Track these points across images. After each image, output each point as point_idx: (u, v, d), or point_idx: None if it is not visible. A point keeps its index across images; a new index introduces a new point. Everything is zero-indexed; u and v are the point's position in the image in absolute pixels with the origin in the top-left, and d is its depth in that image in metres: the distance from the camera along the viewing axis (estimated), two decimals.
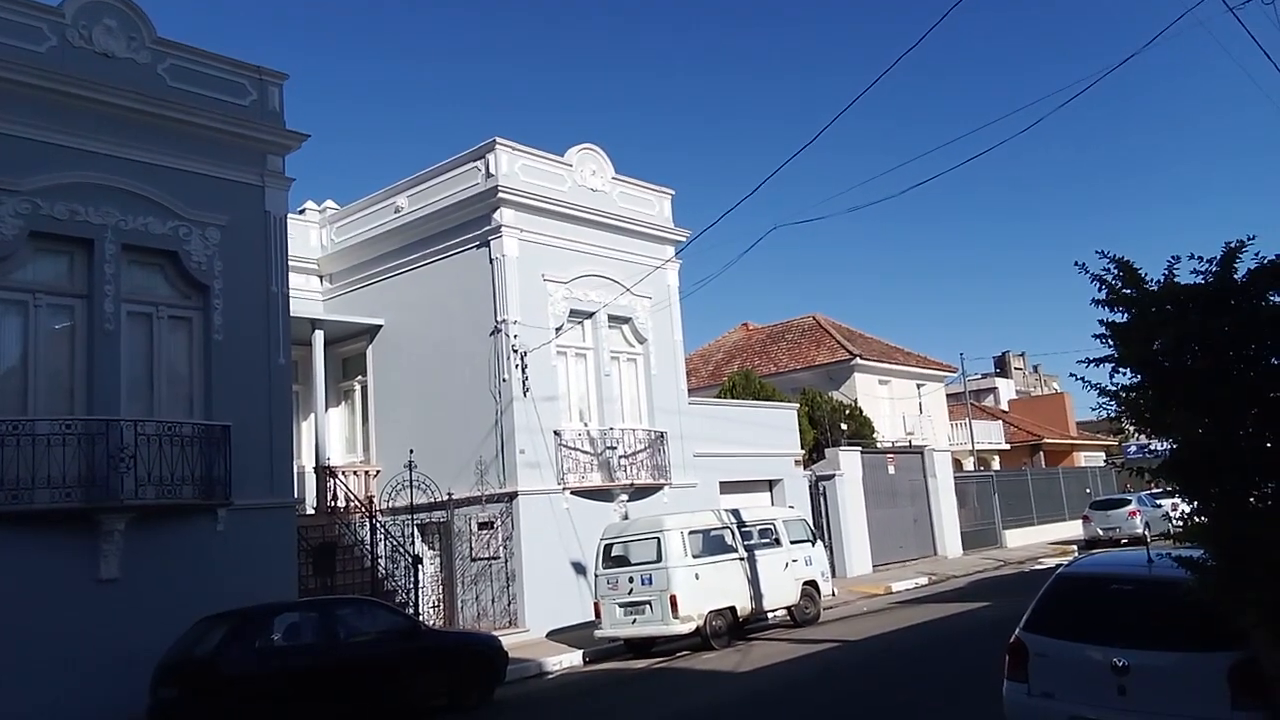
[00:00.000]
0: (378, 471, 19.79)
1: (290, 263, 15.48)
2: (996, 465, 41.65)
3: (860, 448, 27.45)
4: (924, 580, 23.29)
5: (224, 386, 13.73)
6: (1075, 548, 28.32)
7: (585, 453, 19.21)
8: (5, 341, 12.19)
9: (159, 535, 12.61)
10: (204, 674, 10.04)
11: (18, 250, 12.28)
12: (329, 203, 22.87)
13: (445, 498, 17.72)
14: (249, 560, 13.19)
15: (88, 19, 13.26)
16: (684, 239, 22.60)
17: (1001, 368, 63.03)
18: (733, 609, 15.43)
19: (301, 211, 22.06)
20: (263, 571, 13.21)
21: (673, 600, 14.56)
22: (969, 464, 37.84)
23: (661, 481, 20.28)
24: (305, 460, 19.25)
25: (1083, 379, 6.08)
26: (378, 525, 17.25)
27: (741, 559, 15.84)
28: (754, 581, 15.95)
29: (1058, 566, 8.00)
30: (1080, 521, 31.64)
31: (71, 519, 11.82)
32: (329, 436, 20.04)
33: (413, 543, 17.76)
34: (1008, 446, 43.39)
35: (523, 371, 18.23)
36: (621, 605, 15.18)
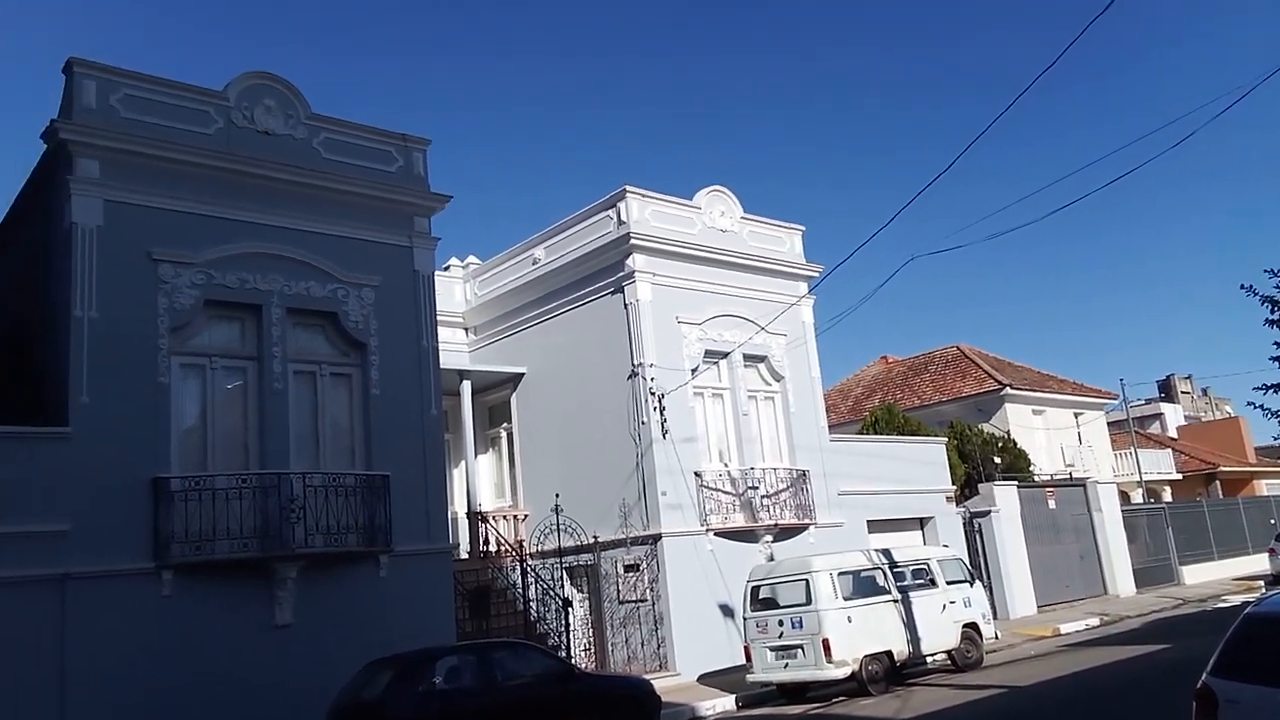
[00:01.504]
0: (525, 515, 20.21)
1: (438, 317, 16.14)
2: (1168, 496, 38.89)
3: (1016, 481, 26.20)
4: (1095, 621, 21.85)
5: (382, 438, 14.38)
6: (1262, 583, 26.03)
7: (727, 493, 19.08)
8: (187, 403, 13.15)
9: (327, 582, 13.24)
10: (372, 718, 10.40)
11: (195, 318, 13.28)
12: (471, 258, 23.82)
13: (591, 541, 17.91)
14: (410, 604, 13.67)
15: (249, 100, 14.35)
16: (817, 274, 22.36)
17: (1167, 392, 59.19)
18: (889, 653, 14.87)
19: (446, 268, 23.03)
20: (423, 615, 13.66)
21: (825, 644, 14.16)
22: (1137, 496, 35.47)
23: (806, 521, 19.88)
24: (458, 506, 19.87)
25: (1262, 406, 5.63)
26: (528, 569, 17.57)
27: (895, 601, 15.29)
28: (910, 624, 15.34)
29: (1245, 605, 7.36)
30: (1266, 555, 29.13)
31: (249, 568, 12.56)
32: (479, 482, 20.64)
33: (562, 586, 18.00)
34: (1179, 476, 40.48)
35: (661, 413, 18.32)
36: (772, 649, 14.88)
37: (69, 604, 11.25)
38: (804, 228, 22.83)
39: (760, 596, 15.52)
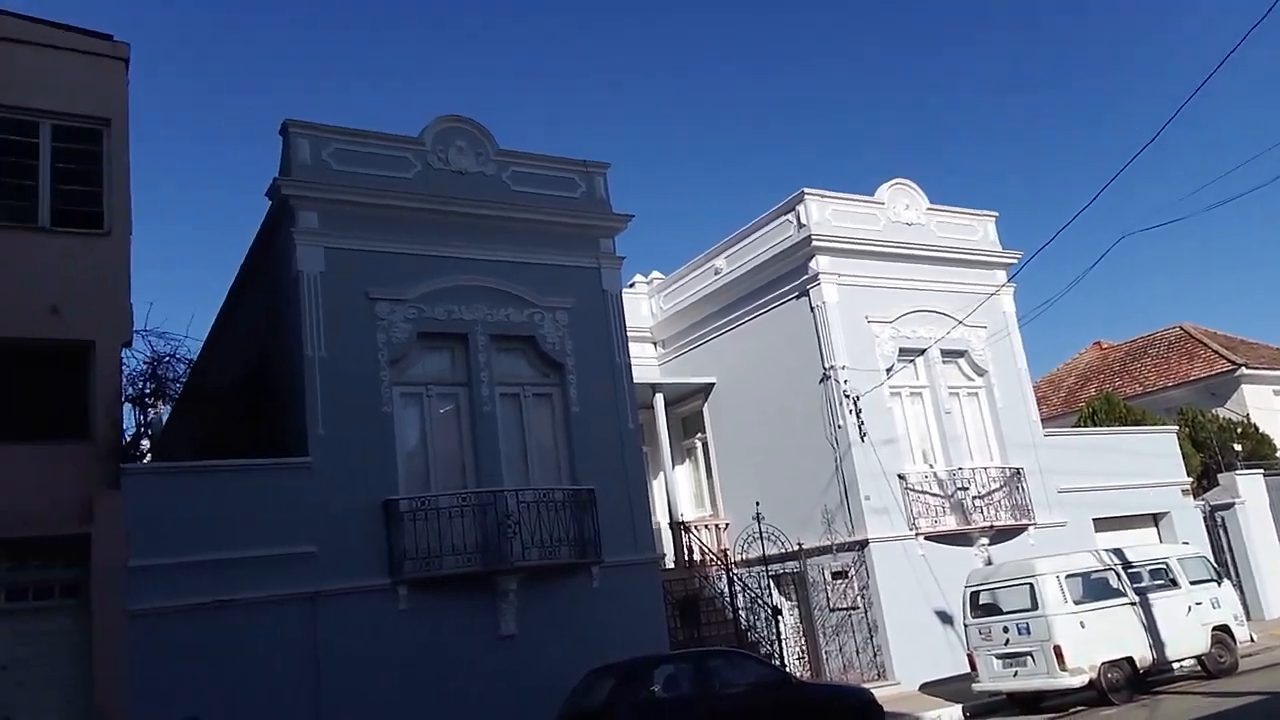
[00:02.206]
0: (727, 524, 20.23)
1: (628, 333, 16.48)
2: None
3: (1262, 470, 23.73)
4: None
5: (584, 453, 14.83)
6: None
7: (934, 495, 18.35)
8: (408, 429, 14.05)
9: (545, 594, 13.75)
10: None
11: (410, 350, 14.18)
12: (655, 273, 24.22)
13: (795, 548, 17.69)
14: (623, 614, 13.99)
15: (443, 142, 15.24)
16: (1015, 261, 21.22)
17: None
18: (1129, 660, 13.77)
19: (632, 285, 23.52)
20: (636, 624, 13.94)
21: (1057, 651, 13.30)
22: None
23: (1024, 522, 18.80)
24: (660, 517, 20.16)
25: None
26: (735, 577, 17.57)
27: (1133, 604, 14.16)
28: (1151, 629, 14.16)
29: None
30: None
31: (473, 581, 13.24)
32: (678, 493, 20.86)
33: (769, 594, 17.86)
34: None
35: (857, 416, 17.88)
36: (999, 657, 14.12)
37: (320, 619, 12.25)
38: (997, 214, 21.76)
39: (980, 602, 14.80)
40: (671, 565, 18.71)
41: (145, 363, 13.64)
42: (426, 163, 15.03)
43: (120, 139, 12.40)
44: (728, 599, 17.47)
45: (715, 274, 21.49)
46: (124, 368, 12.23)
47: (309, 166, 13.94)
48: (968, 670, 14.83)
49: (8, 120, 11.94)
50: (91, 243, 11.97)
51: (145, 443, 13.40)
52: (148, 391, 13.40)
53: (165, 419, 15.42)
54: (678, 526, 19.51)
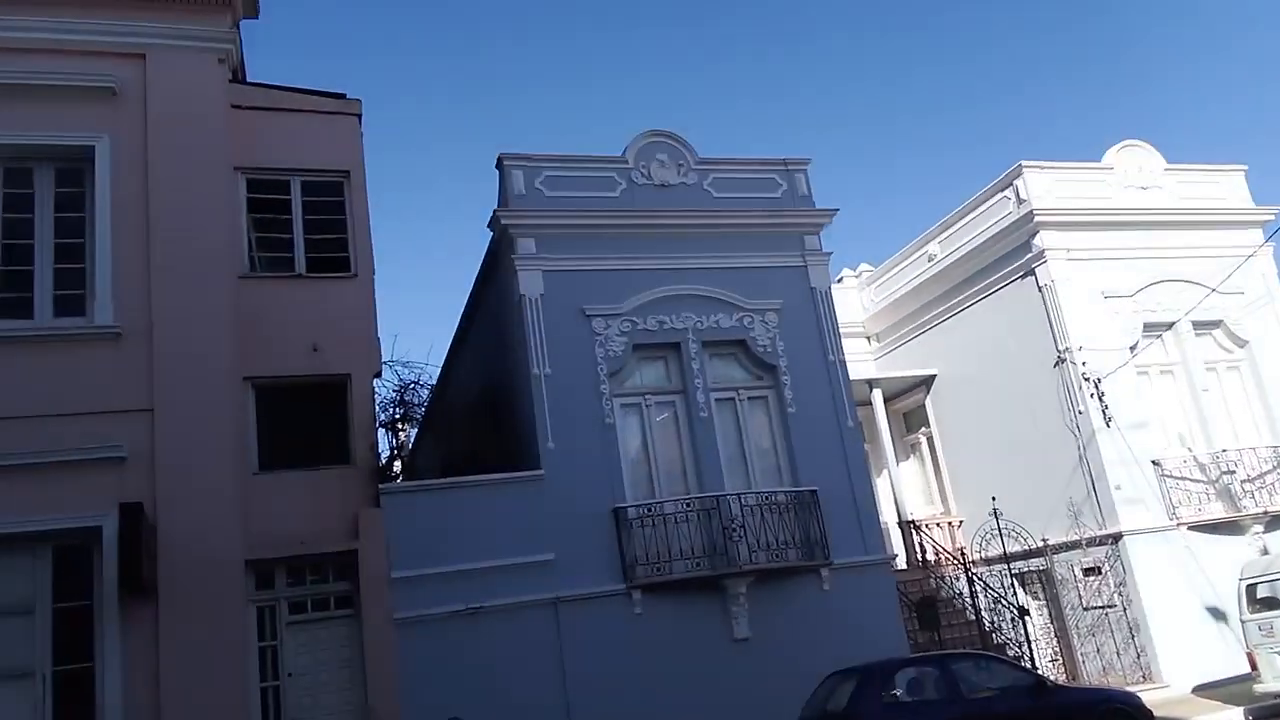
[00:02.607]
0: (960, 522, 19.37)
1: (839, 329, 16.17)
2: None
3: None
4: None
5: (804, 454, 14.67)
6: None
7: (1195, 481, 16.75)
8: (630, 438, 14.46)
9: (774, 597, 13.70)
10: None
11: (627, 362, 14.59)
12: (864, 265, 23.64)
13: (1040, 544, 16.67)
14: (856, 616, 13.70)
15: (645, 158, 15.60)
16: (1273, 218, 19.07)
17: None
18: None
19: (840, 280, 23.07)
20: (870, 627, 13.62)
21: None
22: None
23: None
24: (887, 516, 19.58)
25: None
26: (974, 577, 16.78)
27: None
28: None
29: None
30: None
31: (703, 585, 13.42)
32: (904, 491, 20.20)
33: (1014, 593, 16.93)
34: None
35: (1100, 400, 16.63)
36: None
37: (562, 624, 12.83)
38: (1246, 167, 19.66)
39: (1258, 595, 13.40)
40: (904, 566, 18.12)
41: (394, 390, 14.82)
42: (630, 179, 15.44)
43: (359, 188, 13.59)
44: (968, 599, 16.71)
45: (929, 261, 20.70)
46: (376, 396, 13.33)
47: (524, 196, 14.68)
48: (1247, 670, 13.45)
49: (266, 181, 13.37)
50: (341, 285, 13.17)
51: (397, 464, 14.53)
52: (397, 416, 14.55)
53: (412, 440, 16.67)
54: (907, 526, 18.89)
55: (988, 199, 19.03)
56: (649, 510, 13.54)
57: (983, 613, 16.61)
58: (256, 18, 13.31)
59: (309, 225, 13.41)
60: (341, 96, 13.94)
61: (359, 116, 13.94)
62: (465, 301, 17.15)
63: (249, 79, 14.24)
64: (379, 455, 13.23)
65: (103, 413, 10.96)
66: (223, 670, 10.61)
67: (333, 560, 12.21)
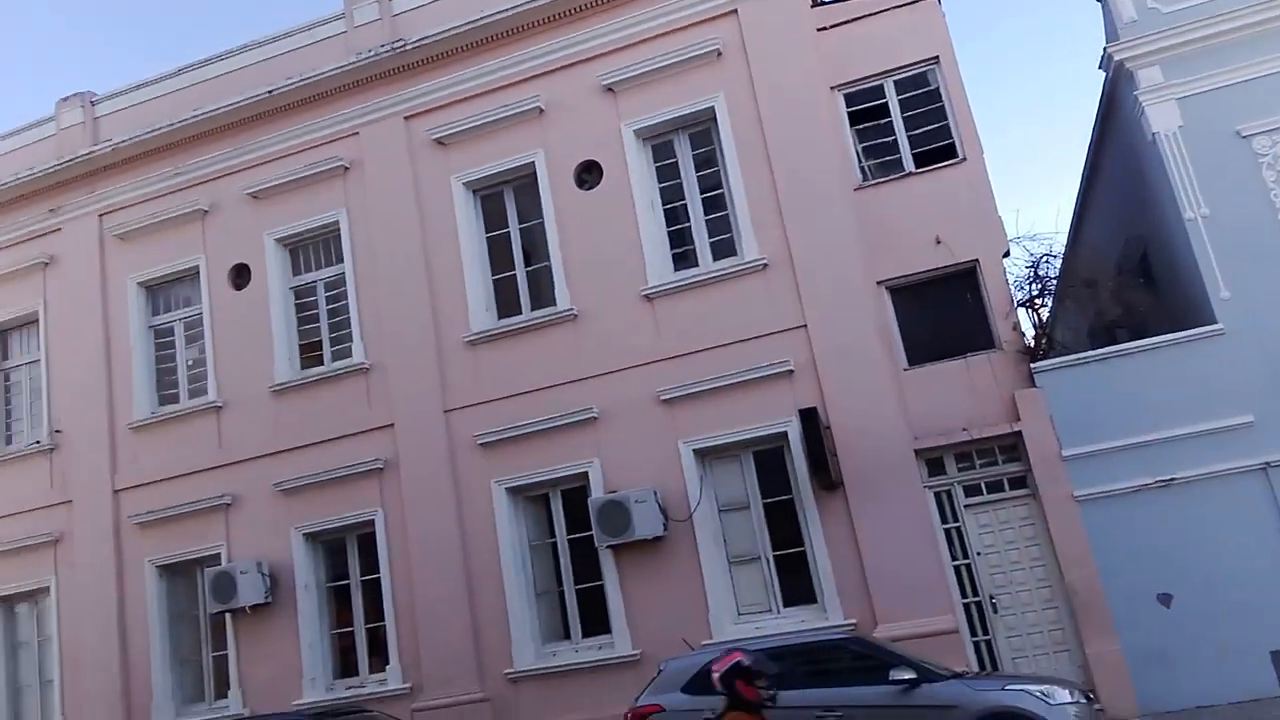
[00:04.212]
0: None
1: None
2: None
3: None
4: None
5: None
6: None
7: None
8: None
9: None
10: None
11: None
12: None
13: None
14: None
15: None
16: None
17: None
18: None
19: None
20: None
21: None
22: None
23: None
24: None
25: None
26: None
27: None
28: None
29: None
30: None
31: None
32: None
33: None
34: None
35: None
36: None
37: (1277, 490, 11.25)
38: None
39: None
40: None
41: (1026, 267, 14.27)
42: None
43: (951, 70, 13.14)
44: None
45: None
46: (1009, 276, 12.95)
47: (1136, 22, 12.85)
48: None
49: (859, 93, 13.69)
50: (952, 173, 12.96)
51: (1043, 340, 13.97)
52: (1034, 295, 13.98)
53: (1050, 313, 15.87)
54: None
55: None
56: None
57: None
58: None
59: (908, 122, 13.43)
60: None
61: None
62: (1085, 157, 15.72)
63: None
64: (1024, 335, 12.86)
65: (766, 335, 12.45)
66: (917, 549, 11.46)
67: (998, 443, 12.26)
